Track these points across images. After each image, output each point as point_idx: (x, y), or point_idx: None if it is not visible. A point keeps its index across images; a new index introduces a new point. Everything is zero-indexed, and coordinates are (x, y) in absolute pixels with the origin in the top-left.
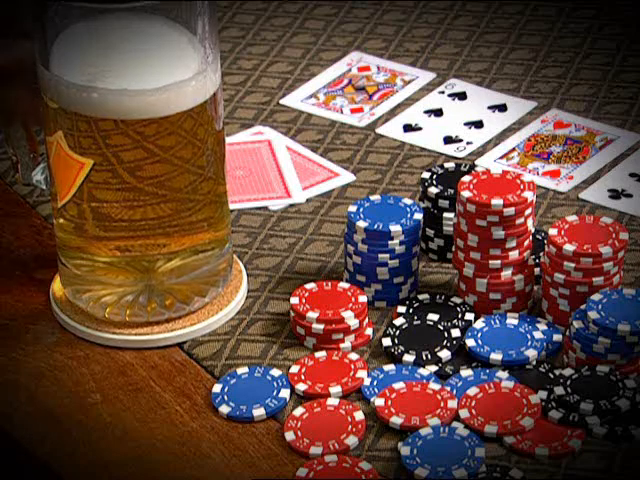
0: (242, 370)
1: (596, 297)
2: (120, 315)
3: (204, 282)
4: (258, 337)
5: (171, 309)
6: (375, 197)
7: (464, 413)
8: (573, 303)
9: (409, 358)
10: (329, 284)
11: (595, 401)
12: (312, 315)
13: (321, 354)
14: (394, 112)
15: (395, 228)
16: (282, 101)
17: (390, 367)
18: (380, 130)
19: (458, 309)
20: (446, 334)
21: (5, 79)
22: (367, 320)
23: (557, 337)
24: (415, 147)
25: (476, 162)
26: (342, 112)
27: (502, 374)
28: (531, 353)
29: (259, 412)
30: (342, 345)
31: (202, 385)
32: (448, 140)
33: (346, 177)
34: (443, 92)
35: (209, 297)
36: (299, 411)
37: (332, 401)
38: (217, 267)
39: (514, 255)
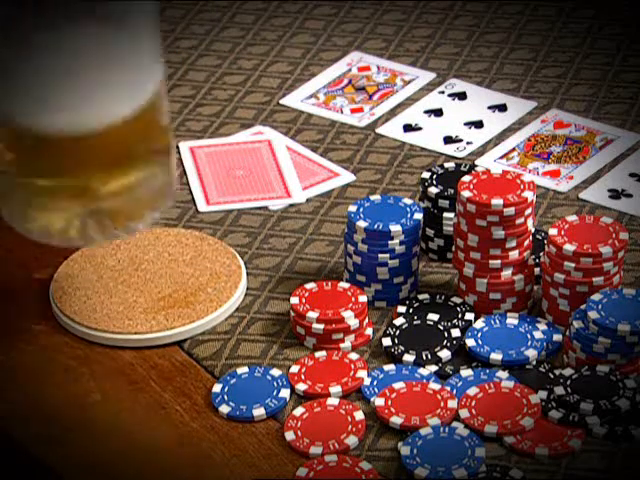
0: (242, 370)
1: (596, 297)
2: (52, 239)
3: (142, 205)
4: (258, 337)
5: (105, 234)
6: (375, 197)
7: (464, 413)
8: (573, 303)
9: (409, 358)
10: (329, 284)
11: (595, 401)
12: (312, 315)
13: (321, 354)
14: (394, 112)
15: (395, 228)
16: (282, 101)
17: (390, 367)
18: (380, 130)
19: (458, 309)
20: (446, 334)
21: None
22: (367, 320)
23: (557, 337)
24: (415, 147)
25: (476, 162)
26: (342, 112)
27: (502, 374)
28: (531, 353)
29: (259, 412)
30: (342, 345)
31: (202, 385)
32: (448, 140)
33: (346, 177)
34: (443, 92)
35: (145, 223)
36: (299, 411)
37: (332, 401)
38: (156, 189)
39: (514, 255)
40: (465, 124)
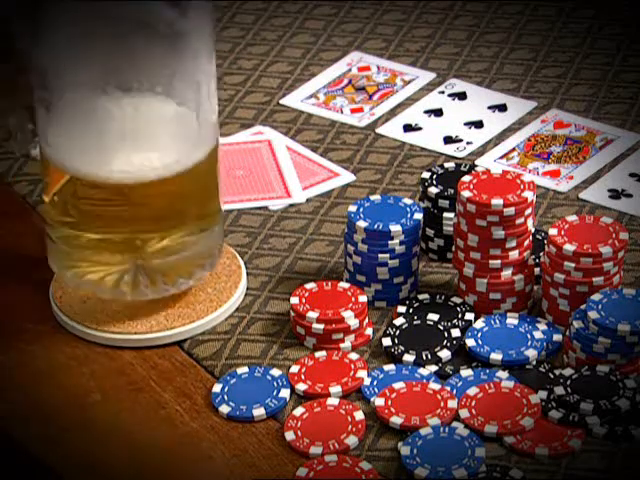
0: (242, 370)
1: (596, 297)
2: (103, 292)
3: (191, 264)
4: (258, 337)
5: (155, 289)
6: (375, 197)
7: (464, 413)
8: (573, 303)
9: (409, 358)
10: (329, 284)
11: (595, 401)
12: (312, 315)
13: (321, 354)
14: (394, 112)
15: (395, 228)
16: (282, 101)
17: (390, 367)
18: (380, 130)
19: (458, 309)
20: (446, 334)
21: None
22: (367, 320)
23: (557, 337)
24: (415, 147)
25: (476, 162)
26: (342, 112)
27: (502, 374)
28: (531, 353)
29: (259, 412)
30: (342, 345)
31: (202, 385)
32: (448, 140)
33: (346, 177)
34: (443, 92)
35: (194, 279)
36: (299, 411)
37: (332, 401)
38: (206, 249)
39: (514, 255)
40: (465, 124)
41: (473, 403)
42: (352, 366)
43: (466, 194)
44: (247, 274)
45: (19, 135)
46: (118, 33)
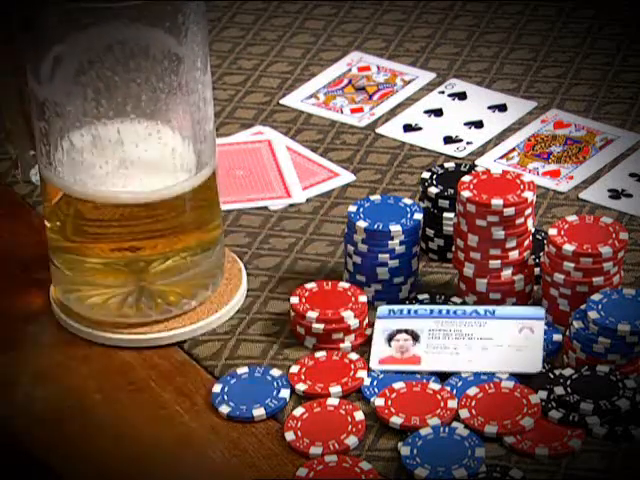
0: (242, 370)
1: (596, 297)
2: (107, 316)
3: (194, 284)
4: (258, 337)
5: (159, 311)
6: (375, 197)
7: (464, 413)
8: (573, 303)
9: None
10: (329, 284)
11: (595, 401)
12: (312, 315)
13: (321, 354)
14: (394, 112)
15: (395, 228)
16: (282, 101)
17: None
18: (380, 130)
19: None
20: None
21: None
22: (367, 320)
23: (557, 337)
24: (415, 147)
25: (476, 162)
26: (342, 112)
27: (502, 374)
28: None
29: (259, 412)
30: (342, 345)
31: (202, 385)
32: (448, 140)
33: (346, 177)
34: (443, 92)
35: (197, 300)
36: (299, 411)
37: (332, 401)
38: (208, 269)
39: (514, 255)
40: (465, 124)
41: (473, 403)
42: (352, 366)
43: (466, 194)
44: (247, 274)
45: (21, 161)
46: (115, 61)
